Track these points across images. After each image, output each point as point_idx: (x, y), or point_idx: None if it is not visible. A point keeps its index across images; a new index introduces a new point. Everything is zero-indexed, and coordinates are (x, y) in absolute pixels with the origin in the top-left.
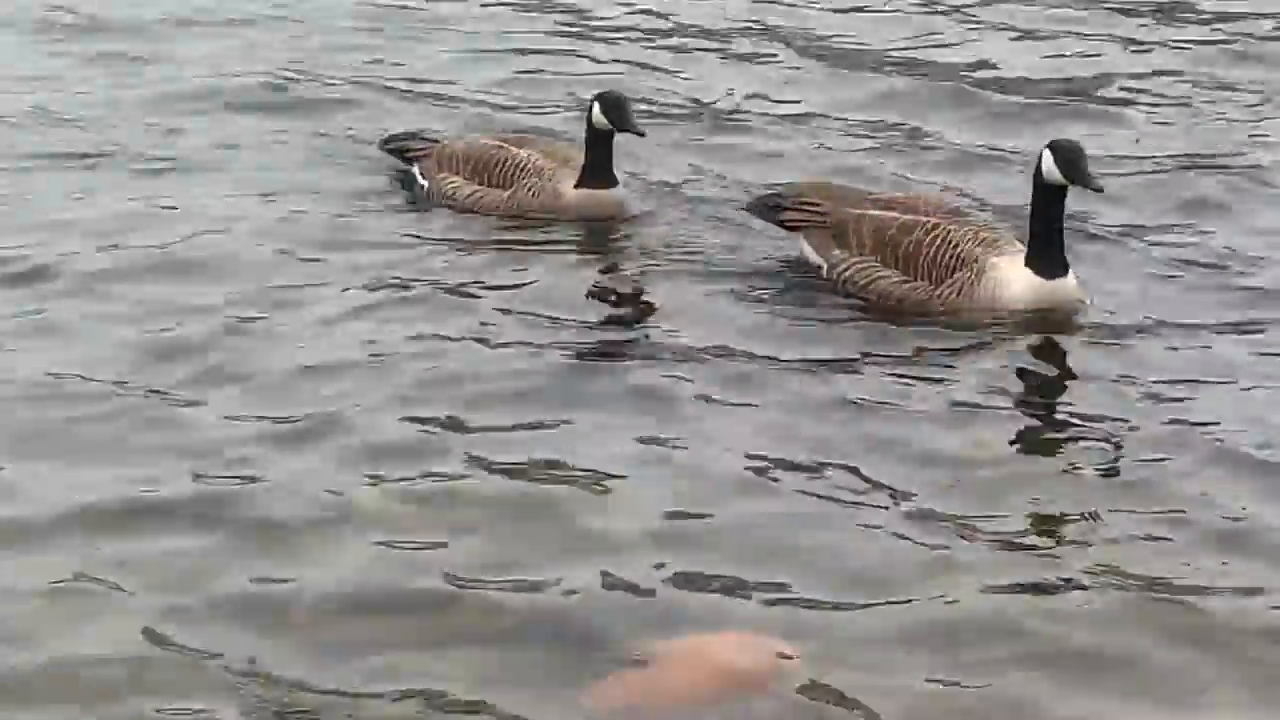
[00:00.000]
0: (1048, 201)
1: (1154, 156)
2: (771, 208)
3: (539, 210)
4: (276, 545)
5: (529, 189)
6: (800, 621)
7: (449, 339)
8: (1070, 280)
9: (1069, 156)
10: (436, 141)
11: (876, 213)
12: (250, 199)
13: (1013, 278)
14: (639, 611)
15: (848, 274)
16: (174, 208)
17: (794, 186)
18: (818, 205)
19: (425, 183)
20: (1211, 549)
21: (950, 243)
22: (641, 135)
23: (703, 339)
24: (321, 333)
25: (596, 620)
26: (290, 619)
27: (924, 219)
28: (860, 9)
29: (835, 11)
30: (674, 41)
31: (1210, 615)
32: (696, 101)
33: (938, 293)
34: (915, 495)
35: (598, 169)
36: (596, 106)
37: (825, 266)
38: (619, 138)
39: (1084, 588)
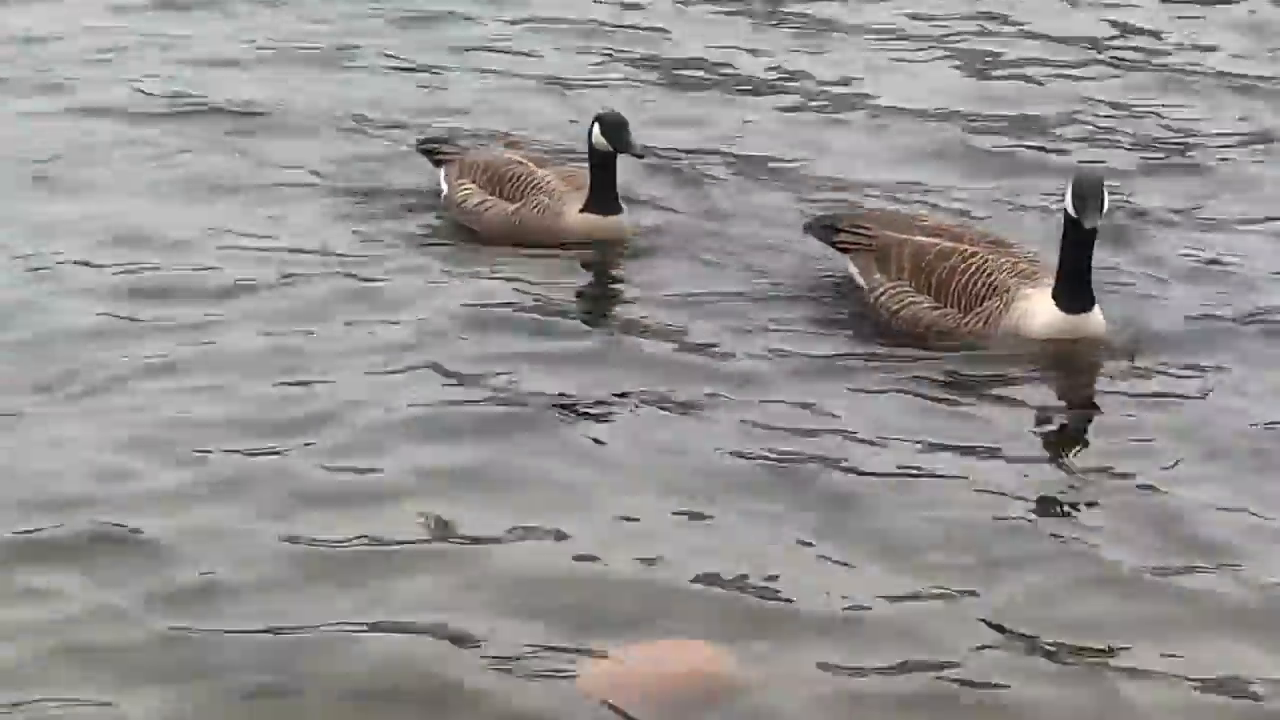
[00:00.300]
0: (1074, 235)
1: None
2: (827, 228)
3: (540, 231)
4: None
5: (535, 206)
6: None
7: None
8: (1095, 315)
9: (611, 124)
10: (466, 148)
11: (919, 239)
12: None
13: (1038, 310)
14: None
15: (883, 298)
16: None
17: (852, 210)
18: (868, 229)
19: (445, 188)
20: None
21: (984, 271)
22: (640, 157)
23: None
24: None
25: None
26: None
27: (963, 246)
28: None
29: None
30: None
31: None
32: (730, 139)
33: (965, 320)
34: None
35: (600, 193)
36: (596, 127)
37: (867, 290)
38: (625, 161)
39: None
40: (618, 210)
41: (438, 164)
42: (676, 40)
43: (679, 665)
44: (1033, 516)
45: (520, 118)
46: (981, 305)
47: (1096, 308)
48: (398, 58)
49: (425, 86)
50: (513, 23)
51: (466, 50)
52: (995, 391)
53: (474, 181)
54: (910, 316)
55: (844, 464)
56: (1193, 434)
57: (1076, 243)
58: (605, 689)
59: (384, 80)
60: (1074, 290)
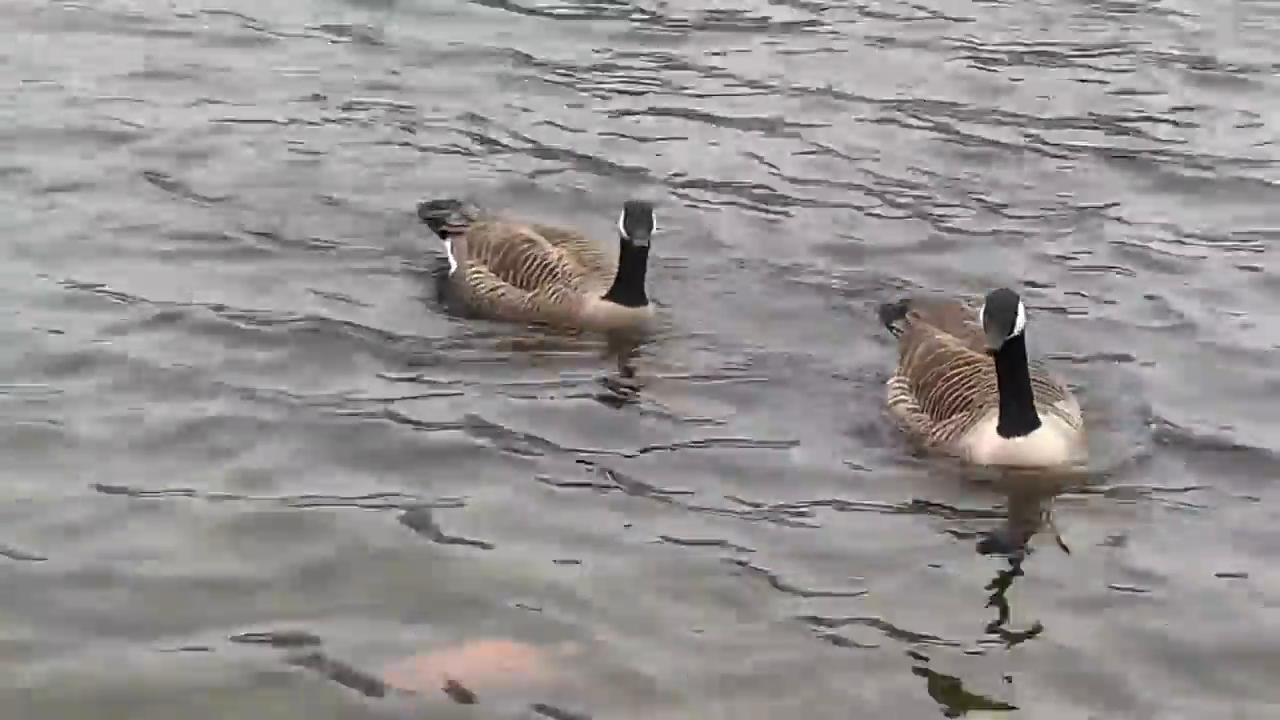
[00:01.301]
0: (1006, 356)
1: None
2: (889, 312)
3: (560, 318)
4: None
5: (553, 294)
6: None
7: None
8: (1039, 438)
9: (631, 214)
10: (472, 220)
11: (941, 335)
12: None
13: (984, 434)
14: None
15: (887, 392)
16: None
17: (920, 297)
18: (918, 317)
19: (454, 264)
20: None
21: (966, 383)
22: (641, 248)
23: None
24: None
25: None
26: None
27: (968, 351)
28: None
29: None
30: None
31: None
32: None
33: (934, 430)
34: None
35: (626, 283)
36: (622, 215)
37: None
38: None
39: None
40: (642, 302)
41: (443, 235)
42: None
43: (484, 664)
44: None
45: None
46: (951, 418)
47: (1047, 427)
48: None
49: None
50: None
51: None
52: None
53: (485, 263)
54: (896, 416)
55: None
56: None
57: (1003, 358)
58: (412, 684)
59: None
60: (1011, 411)
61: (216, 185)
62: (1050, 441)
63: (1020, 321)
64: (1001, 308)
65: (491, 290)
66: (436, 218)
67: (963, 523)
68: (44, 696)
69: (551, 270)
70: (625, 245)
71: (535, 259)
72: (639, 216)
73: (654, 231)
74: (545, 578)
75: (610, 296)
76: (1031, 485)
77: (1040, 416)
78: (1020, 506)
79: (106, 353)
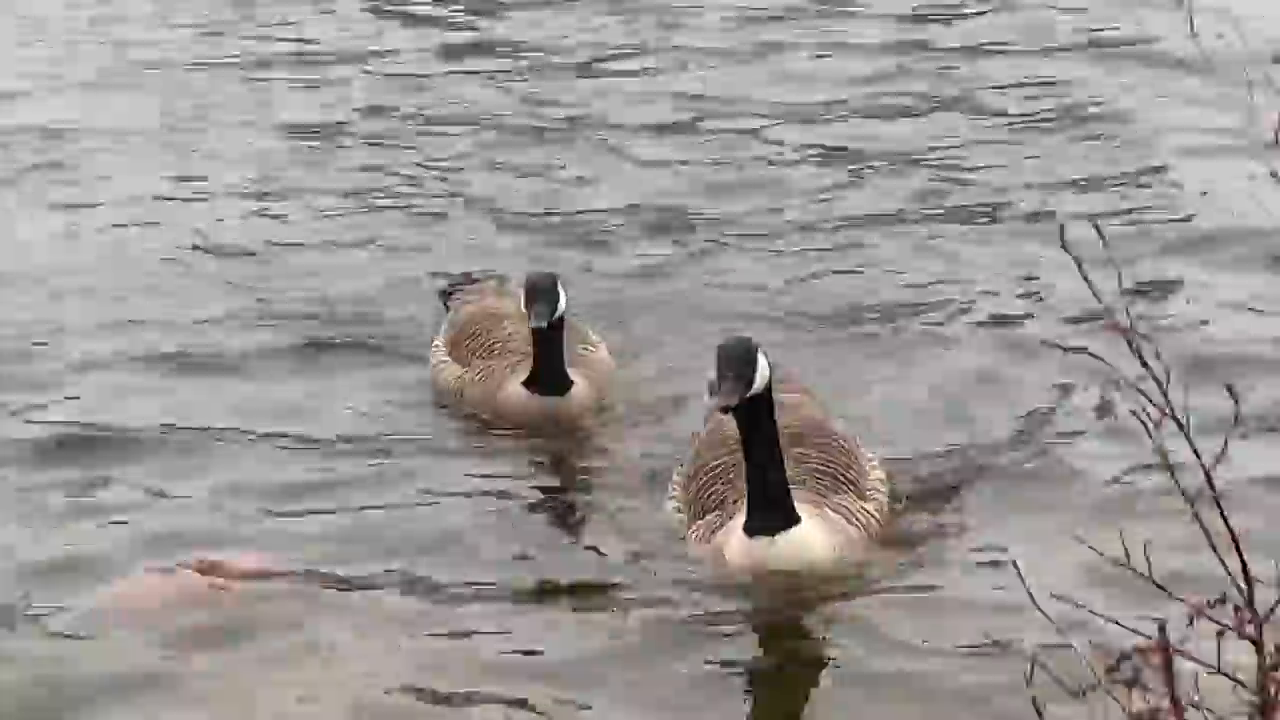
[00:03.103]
0: (747, 422)
1: None
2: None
3: (479, 402)
4: None
5: (480, 373)
6: None
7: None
8: (792, 539)
9: (529, 289)
10: (474, 292)
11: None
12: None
13: (734, 532)
14: None
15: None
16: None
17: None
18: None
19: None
20: None
21: (724, 479)
22: (539, 330)
23: None
24: None
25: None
26: None
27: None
28: None
29: None
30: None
31: None
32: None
33: (692, 528)
34: None
35: (545, 367)
36: (525, 290)
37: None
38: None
39: None
40: (562, 388)
41: (448, 309)
42: None
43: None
44: None
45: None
46: (705, 518)
47: (808, 523)
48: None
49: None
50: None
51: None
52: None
53: (444, 338)
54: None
55: None
56: None
57: (748, 433)
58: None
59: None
60: (762, 505)
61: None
62: (806, 543)
63: (761, 377)
64: (734, 358)
65: (435, 365)
66: (451, 292)
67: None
68: None
69: (491, 347)
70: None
71: (484, 333)
72: (536, 292)
73: (559, 309)
74: None
75: (527, 382)
76: (791, 594)
77: (803, 510)
78: (773, 619)
79: None
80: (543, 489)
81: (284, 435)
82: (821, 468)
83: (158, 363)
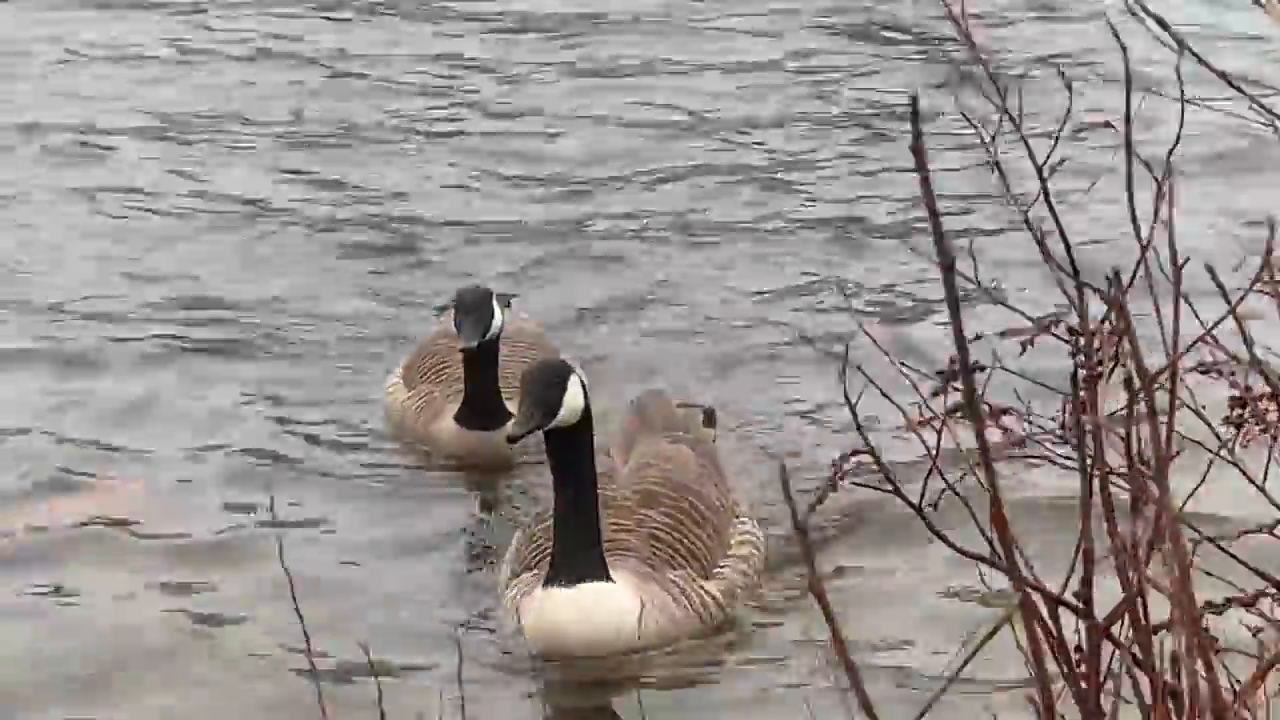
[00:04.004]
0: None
1: None
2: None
3: (414, 432)
4: None
5: (420, 401)
6: None
7: None
8: (596, 593)
9: (460, 306)
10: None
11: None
12: None
13: (534, 591)
14: None
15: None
16: None
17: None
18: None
19: None
20: None
21: (534, 541)
22: (468, 349)
23: None
24: None
25: None
26: None
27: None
28: None
29: None
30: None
31: None
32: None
33: (511, 585)
34: None
35: (477, 398)
36: (452, 307)
37: None
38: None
39: None
40: (495, 421)
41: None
42: None
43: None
44: None
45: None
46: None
47: (618, 590)
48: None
49: None
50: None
51: None
52: None
53: (406, 359)
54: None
55: None
56: None
57: (559, 456)
58: None
59: None
60: (562, 557)
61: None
62: (608, 603)
63: (570, 407)
64: (537, 380)
65: (386, 390)
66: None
67: None
68: None
69: (440, 371)
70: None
71: (438, 354)
72: (467, 309)
73: (494, 328)
74: None
75: (459, 414)
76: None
77: (621, 577)
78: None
79: None
80: (434, 537)
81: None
82: (661, 534)
83: None
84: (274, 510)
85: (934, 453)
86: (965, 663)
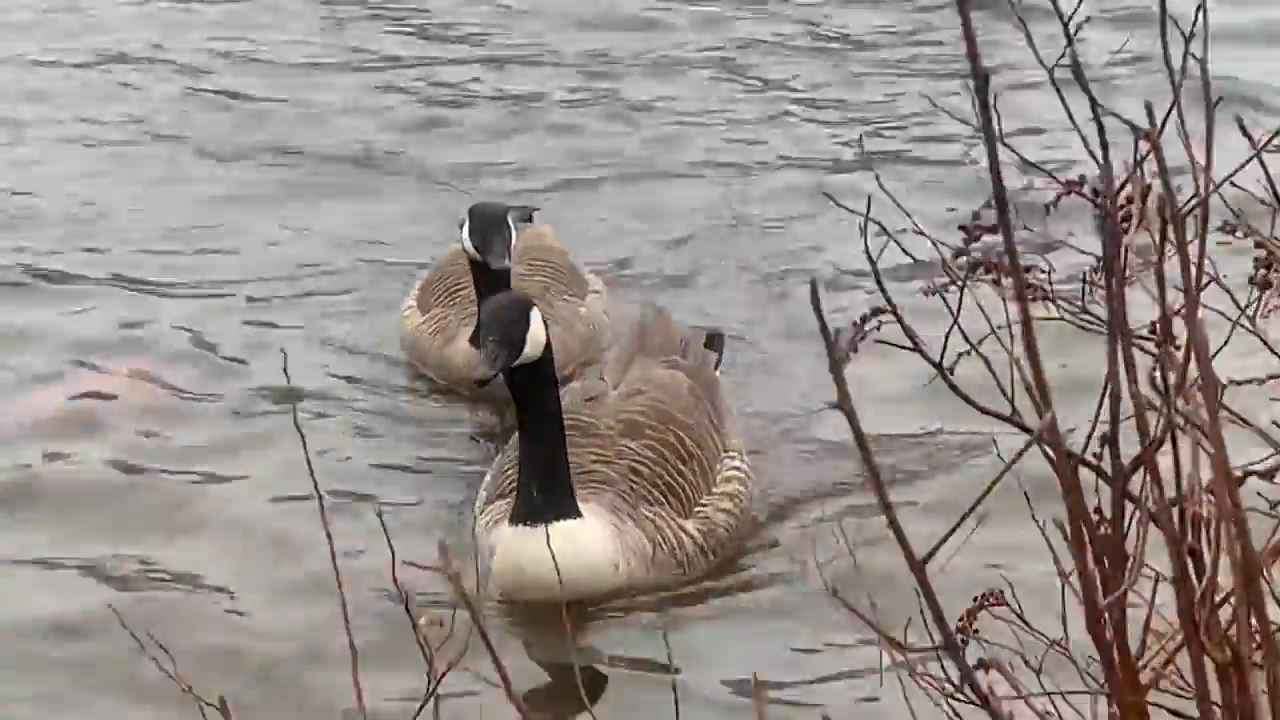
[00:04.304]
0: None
1: None
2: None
3: (426, 356)
4: None
5: (434, 323)
6: None
7: None
8: (565, 531)
9: (479, 221)
10: None
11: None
12: None
13: (502, 527)
14: None
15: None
16: None
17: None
18: None
19: None
20: None
21: (505, 470)
22: (501, 269)
23: None
24: None
25: None
26: None
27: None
28: None
29: None
30: None
31: None
32: None
33: (483, 515)
34: None
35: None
36: (466, 224)
37: None
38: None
39: None
40: None
41: None
42: None
43: None
44: None
45: None
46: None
47: (592, 517)
48: None
49: None
50: None
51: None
52: None
53: (421, 288)
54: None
55: None
56: None
57: (523, 400)
58: None
59: None
60: (532, 490)
61: None
62: (579, 541)
63: (534, 341)
64: (499, 317)
65: (402, 313)
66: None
67: None
68: None
69: (454, 292)
70: (478, 269)
71: (454, 275)
72: (489, 227)
73: (514, 246)
74: None
75: (473, 339)
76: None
77: (592, 512)
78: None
79: None
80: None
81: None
82: (641, 468)
83: None
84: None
85: (955, 312)
86: (986, 492)
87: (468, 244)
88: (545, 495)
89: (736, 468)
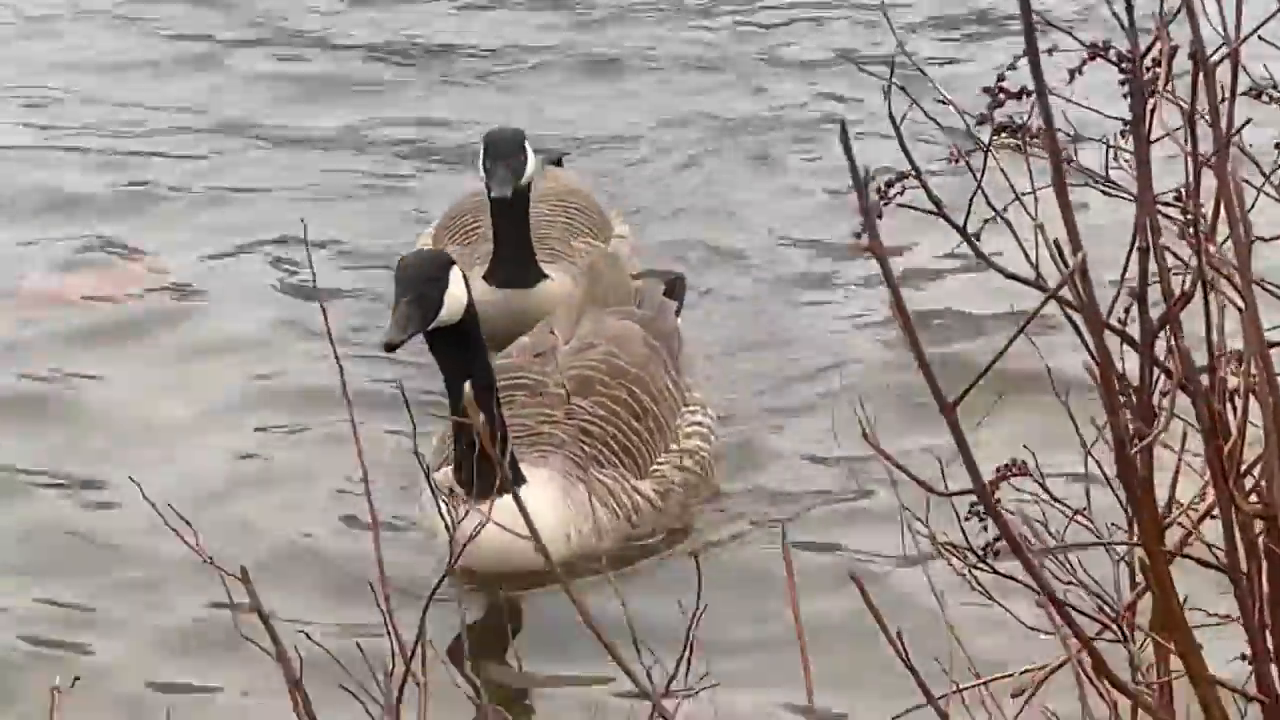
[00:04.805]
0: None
1: None
2: None
3: None
4: None
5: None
6: None
7: None
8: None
9: (491, 146)
10: None
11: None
12: None
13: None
14: None
15: None
16: None
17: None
18: None
19: None
20: None
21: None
22: (504, 200)
23: None
24: None
25: None
26: None
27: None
28: None
29: None
30: None
31: None
32: None
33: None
34: None
35: (504, 253)
36: (480, 153)
37: None
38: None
39: None
40: (528, 280)
41: None
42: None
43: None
44: None
45: None
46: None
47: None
48: None
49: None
50: None
51: None
52: None
53: (437, 227)
54: None
55: None
56: None
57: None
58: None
59: None
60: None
61: None
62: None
63: (454, 300)
64: (409, 276)
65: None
66: None
67: None
68: None
69: (470, 231)
70: (492, 201)
71: (470, 213)
72: (495, 151)
73: (527, 174)
74: None
75: (487, 273)
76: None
77: (538, 477)
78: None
79: None
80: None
81: None
82: (593, 428)
83: None
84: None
85: (979, 176)
86: (1012, 340)
87: (480, 171)
88: (481, 467)
89: (698, 423)
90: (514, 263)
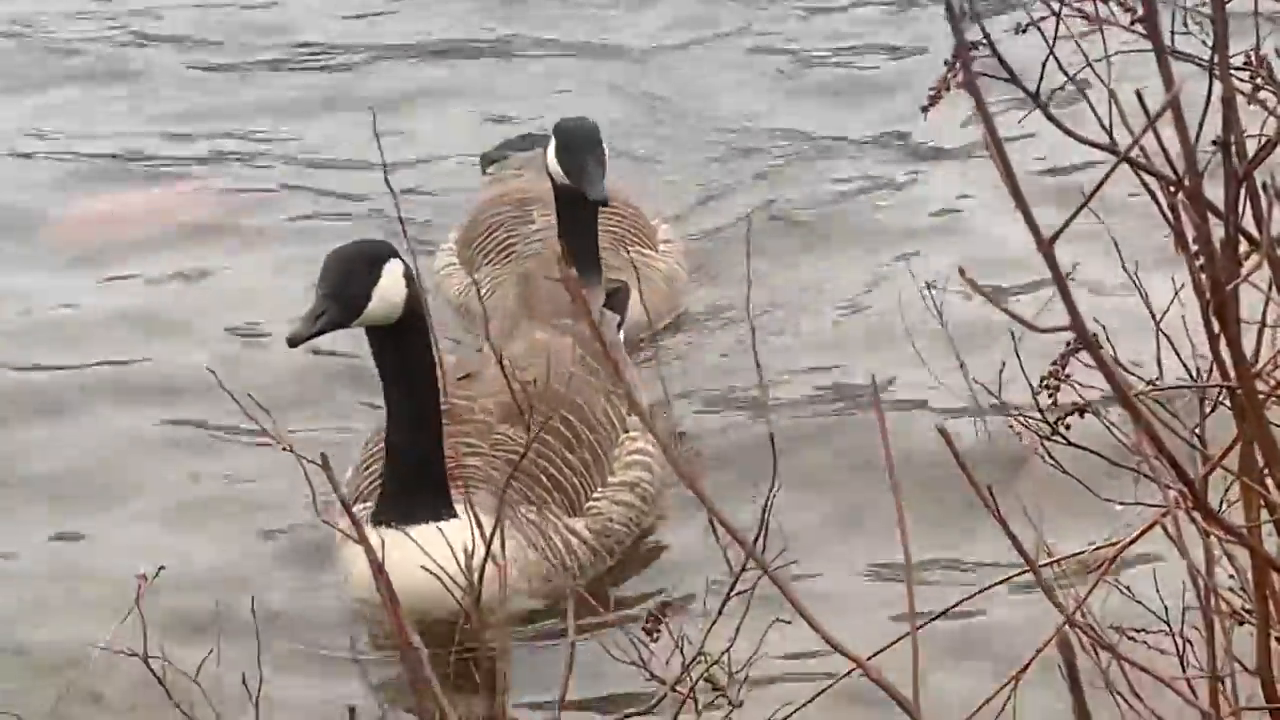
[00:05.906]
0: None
1: None
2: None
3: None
4: None
5: (489, 286)
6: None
7: None
8: (429, 537)
9: (568, 139)
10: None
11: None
12: None
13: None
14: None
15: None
16: None
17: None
18: None
19: None
20: None
21: (367, 465)
22: (601, 203)
23: None
24: None
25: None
26: None
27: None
28: None
29: None
30: None
31: None
32: None
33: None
34: None
35: (579, 255)
36: (551, 144)
37: None
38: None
39: None
40: (593, 280)
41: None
42: None
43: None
44: None
45: None
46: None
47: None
48: None
49: None
50: None
51: None
52: None
53: (459, 231)
54: None
55: None
56: None
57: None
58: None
59: None
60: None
61: None
62: (446, 543)
63: (386, 298)
64: (335, 267)
65: (439, 273)
66: (492, 159)
67: None
68: None
69: (507, 248)
70: (563, 197)
71: (501, 227)
72: (583, 148)
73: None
74: None
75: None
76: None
77: (459, 508)
78: None
79: None
80: None
81: None
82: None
83: None
84: None
85: (1051, 42)
86: (1069, 220)
87: (554, 167)
88: (410, 491)
89: (638, 450)
90: (586, 262)
